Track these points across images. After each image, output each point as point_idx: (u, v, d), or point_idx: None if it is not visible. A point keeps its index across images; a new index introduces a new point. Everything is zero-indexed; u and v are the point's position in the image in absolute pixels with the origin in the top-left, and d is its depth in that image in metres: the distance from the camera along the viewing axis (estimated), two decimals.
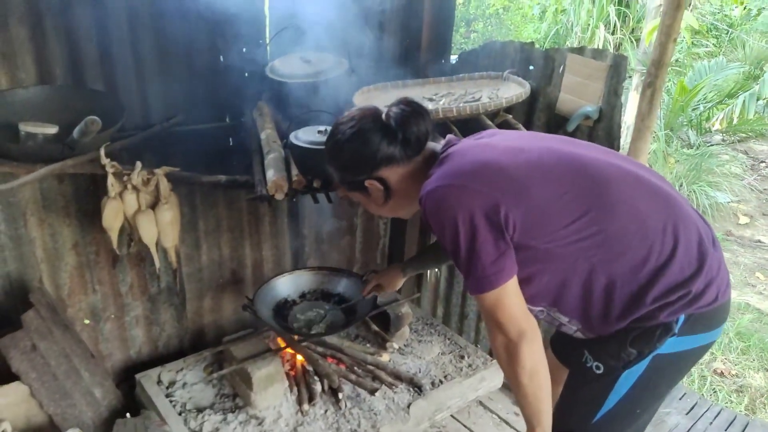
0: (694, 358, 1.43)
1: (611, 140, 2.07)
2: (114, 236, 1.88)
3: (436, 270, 3.03)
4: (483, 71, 2.38)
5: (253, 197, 1.83)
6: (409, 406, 2.30)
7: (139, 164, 1.80)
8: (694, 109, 6.95)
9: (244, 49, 2.21)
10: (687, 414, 2.71)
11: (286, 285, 2.43)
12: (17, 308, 1.97)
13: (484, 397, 2.57)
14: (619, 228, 1.26)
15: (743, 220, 5.85)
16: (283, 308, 2.36)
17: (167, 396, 2.24)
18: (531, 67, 2.30)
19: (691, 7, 7.68)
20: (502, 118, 2.21)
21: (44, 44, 1.84)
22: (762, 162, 6.96)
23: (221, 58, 2.18)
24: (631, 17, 8.29)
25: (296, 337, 2.37)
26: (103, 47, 1.94)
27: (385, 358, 2.52)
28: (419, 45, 2.61)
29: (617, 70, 2.02)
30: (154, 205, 1.87)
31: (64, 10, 1.83)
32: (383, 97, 2.26)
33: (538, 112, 2.31)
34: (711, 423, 2.66)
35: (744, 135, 7.28)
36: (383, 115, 1.40)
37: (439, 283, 3.06)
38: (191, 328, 2.57)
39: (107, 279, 2.26)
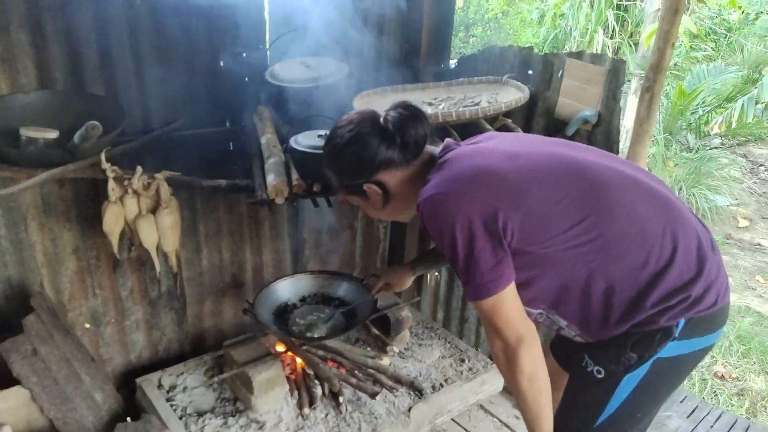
0: (695, 361, 1.42)
1: (610, 144, 2.07)
2: (114, 240, 1.89)
3: (437, 273, 3.03)
4: (482, 76, 2.39)
5: (253, 201, 1.84)
6: (409, 410, 2.30)
7: (139, 169, 1.80)
8: (692, 113, 6.95)
9: (244, 54, 2.21)
10: (688, 417, 2.70)
11: (287, 289, 2.42)
12: (18, 312, 1.98)
13: (484, 400, 2.57)
14: (618, 232, 1.26)
15: (743, 223, 5.85)
16: (283, 312, 2.35)
17: (168, 400, 2.24)
18: (530, 72, 2.30)
19: (689, 11, 7.72)
20: (501, 122, 2.22)
21: (45, 49, 1.85)
22: (761, 165, 6.97)
23: (221, 63, 2.18)
24: (629, 21, 8.32)
25: (297, 340, 2.37)
26: (103, 52, 1.95)
27: (385, 361, 2.52)
28: (419, 49, 2.62)
29: (616, 75, 2.02)
30: (154, 210, 1.87)
31: (64, 15, 1.84)
32: (383, 102, 2.26)
33: (537, 116, 2.31)
34: (712, 426, 2.66)
35: (743, 138, 7.28)
36: (381, 119, 1.39)
37: (440, 286, 3.06)
38: (192, 332, 2.57)
39: (108, 283, 2.26)
